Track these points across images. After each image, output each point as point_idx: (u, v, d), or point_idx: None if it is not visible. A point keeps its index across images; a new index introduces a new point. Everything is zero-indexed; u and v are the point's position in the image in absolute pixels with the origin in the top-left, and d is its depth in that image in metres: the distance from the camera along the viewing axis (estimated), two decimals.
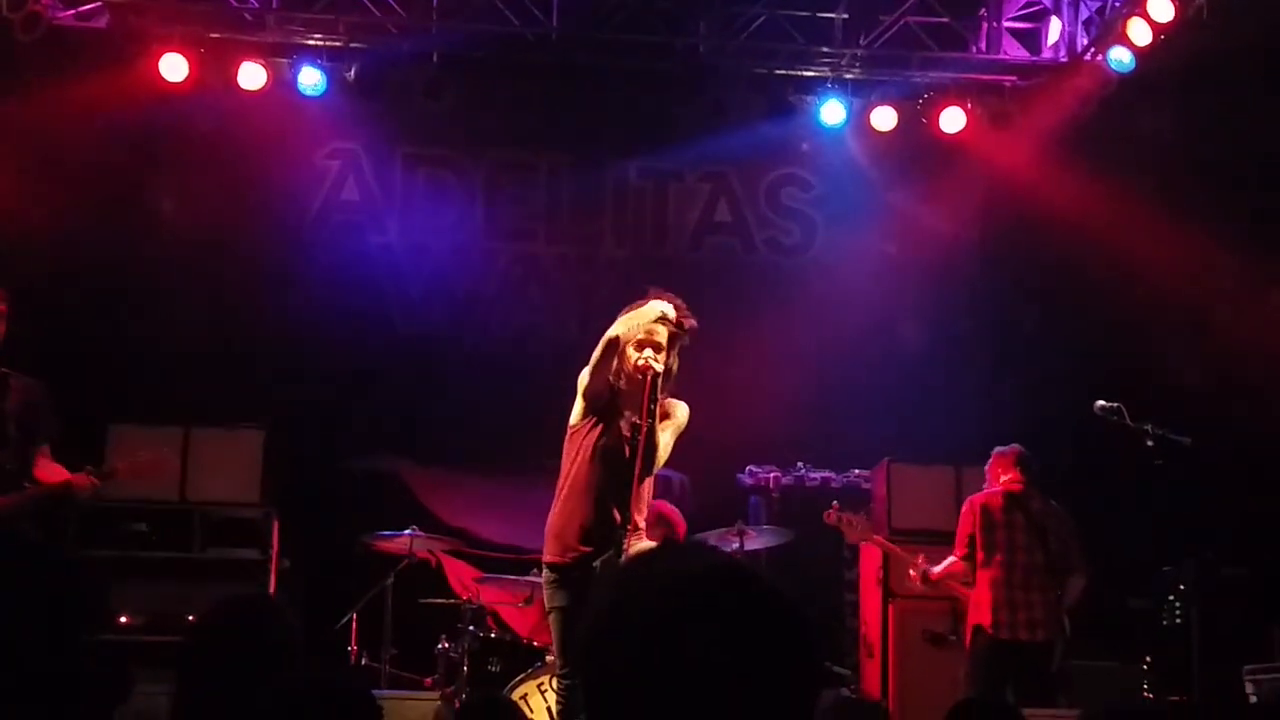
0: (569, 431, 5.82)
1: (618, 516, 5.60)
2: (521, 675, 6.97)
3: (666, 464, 5.89)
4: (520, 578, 7.57)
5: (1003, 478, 7.49)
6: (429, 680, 7.54)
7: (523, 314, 9.99)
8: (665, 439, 5.70)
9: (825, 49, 9.41)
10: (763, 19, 9.19)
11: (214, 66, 8.94)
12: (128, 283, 9.25)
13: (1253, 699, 7.33)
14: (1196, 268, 9.01)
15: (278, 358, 9.21)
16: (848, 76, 9.53)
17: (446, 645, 7.45)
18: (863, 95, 9.54)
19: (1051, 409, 8.76)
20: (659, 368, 5.55)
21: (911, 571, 7.67)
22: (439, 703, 7.08)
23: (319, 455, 8.91)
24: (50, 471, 6.28)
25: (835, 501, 7.96)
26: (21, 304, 6.31)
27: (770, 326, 9.47)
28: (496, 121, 9.82)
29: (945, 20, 9.34)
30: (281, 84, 9.08)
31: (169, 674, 3.09)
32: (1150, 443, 6.99)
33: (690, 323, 5.73)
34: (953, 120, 9.46)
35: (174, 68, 8.81)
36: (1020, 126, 9.45)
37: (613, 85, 9.58)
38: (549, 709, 6.64)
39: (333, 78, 9.10)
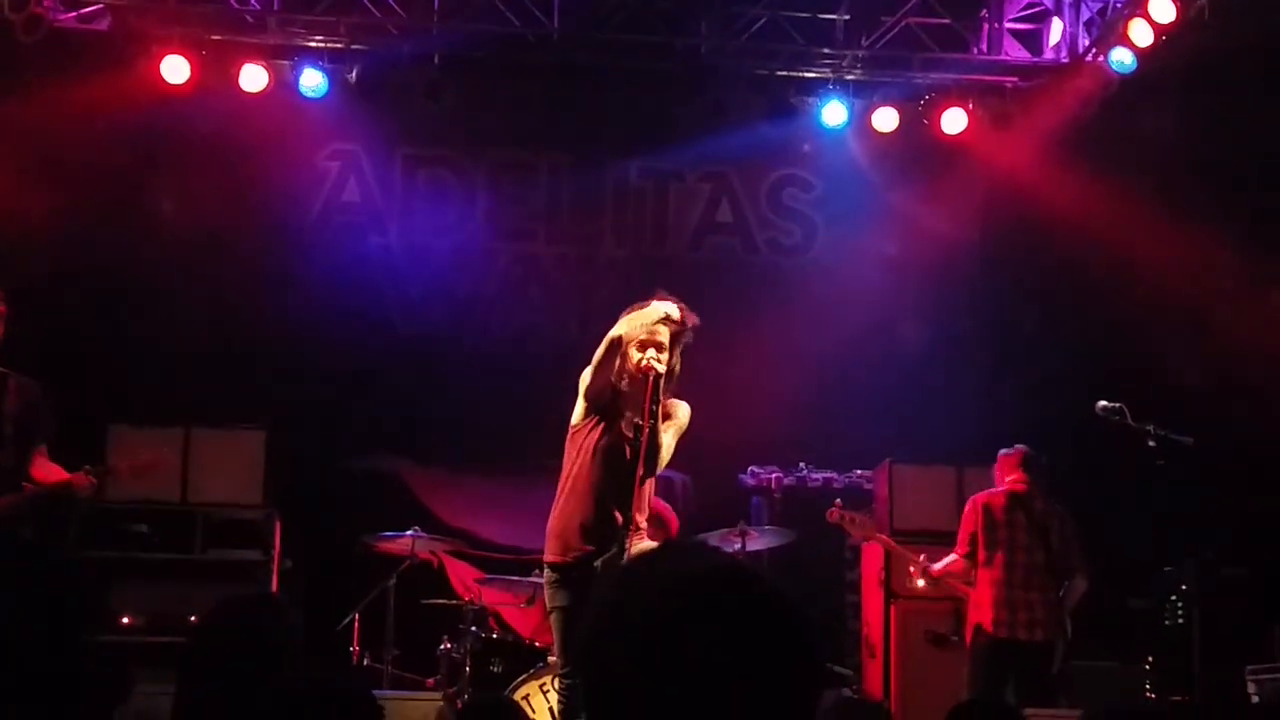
0: (570, 432, 5.83)
1: (618, 517, 5.60)
2: (523, 676, 6.98)
3: (668, 464, 5.90)
4: (522, 578, 7.58)
5: (1007, 478, 7.50)
6: (431, 681, 7.55)
7: (523, 314, 9.98)
8: (667, 440, 5.71)
9: (826, 50, 9.41)
10: (764, 20, 9.19)
11: (215, 68, 8.93)
12: (128, 283, 9.25)
13: (1255, 699, 7.34)
14: (1196, 268, 9.01)
15: (278, 358, 9.21)
16: (849, 77, 9.53)
17: (449, 646, 7.46)
18: (864, 96, 9.54)
19: (1052, 409, 8.75)
20: (661, 368, 5.55)
21: (912, 568, 7.72)
22: (441, 703, 7.07)
23: (319, 456, 8.91)
24: (48, 471, 6.29)
25: (838, 500, 7.96)
26: (21, 304, 6.32)
27: (771, 327, 9.47)
28: (497, 122, 9.81)
29: (946, 21, 9.33)
30: (283, 86, 9.07)
31: (170, 674, 3.09)
32: (1152, 443, 6.98)
33: (693, 319, 5.73)
34: (954, 121, 9.45)
35: (175, 69, 8.81)
36: (1021, 127, 9.44)
37: (613, 85, 9.58)
38: (551, 709, 6.64)
39: (334, 79, 9.10)
